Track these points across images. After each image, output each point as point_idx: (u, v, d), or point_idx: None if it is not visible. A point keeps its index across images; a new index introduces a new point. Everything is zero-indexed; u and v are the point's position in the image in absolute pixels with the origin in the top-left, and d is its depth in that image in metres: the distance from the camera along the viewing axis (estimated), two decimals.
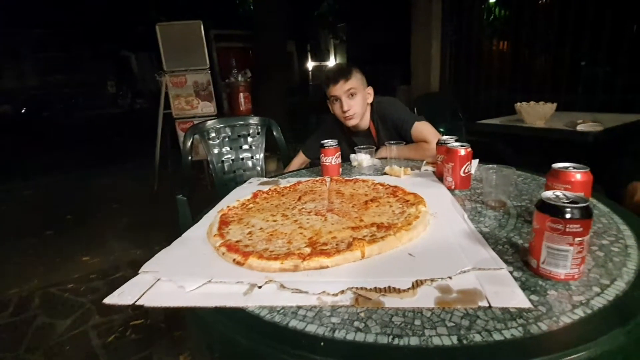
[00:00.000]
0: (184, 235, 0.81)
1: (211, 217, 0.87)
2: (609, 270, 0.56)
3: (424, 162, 1.24)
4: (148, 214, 3.17)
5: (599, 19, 2.79)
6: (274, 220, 0.79)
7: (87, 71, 15.37)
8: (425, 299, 0.51)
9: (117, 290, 0.60)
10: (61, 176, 4.80)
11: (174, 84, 3.37)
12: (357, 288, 0.53)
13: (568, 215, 0.51)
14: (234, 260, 0.64)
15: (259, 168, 1.88)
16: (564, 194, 0.56)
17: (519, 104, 2.26)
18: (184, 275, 0.60)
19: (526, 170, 1.10)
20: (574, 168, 0.70)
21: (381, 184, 1.00)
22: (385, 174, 1.17)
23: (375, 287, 0.53)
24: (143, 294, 0.58)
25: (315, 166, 1.39)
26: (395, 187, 0.95)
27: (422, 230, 0.71)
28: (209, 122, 1.74)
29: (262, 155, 1.89)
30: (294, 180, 1.13)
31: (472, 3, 3.80)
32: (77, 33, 14.00)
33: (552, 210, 0.52)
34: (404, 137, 1.43)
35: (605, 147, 1.76)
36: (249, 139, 1.88)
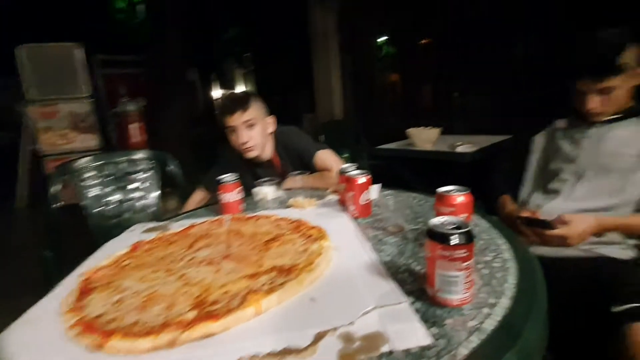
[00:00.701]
0: (29, 311, 0.62)
1: (71, 283, 0.68)
2: (493, 287, 0.59)
3: (328, 190, 1.24)
4: (8, 274, 2.55)
5: (468, 57, 3.35)
6: (155, 279, 0.66)
7: None
8: (327, 354, 0.45)
9: None
10: None
11: (42, 115, 2.81)
12: (249, 357, 0.45)
13: (454, 242, 0.52)
14: (91, 342, 0.49)
15: (153, 209, 1.66)
16: (448, 220, 0.57)
17: (410, 129, 2.51)
18: None
19: (420, 192, 1.16)
20: (457, 191, 0.75)
21: (284, 219, 0.94)
22: (290, 206, 1.12)
23: (270, 352, 0.45)
24: None
25: (216, 203, 1.27)
26: (299, 221, 0.91)
27: (325, 268, 0.67)
28: (82, 160, 1.47)
29: (157, 193, 1.68)
30: (188, 222, 1.00)
31: (364, 40, 4.22)
32: None
33: (440, 237, 0.53)
34: (308, 165, 1.42)
35: (480, 165, 2.05)
36: (140, 176, 1.65)
